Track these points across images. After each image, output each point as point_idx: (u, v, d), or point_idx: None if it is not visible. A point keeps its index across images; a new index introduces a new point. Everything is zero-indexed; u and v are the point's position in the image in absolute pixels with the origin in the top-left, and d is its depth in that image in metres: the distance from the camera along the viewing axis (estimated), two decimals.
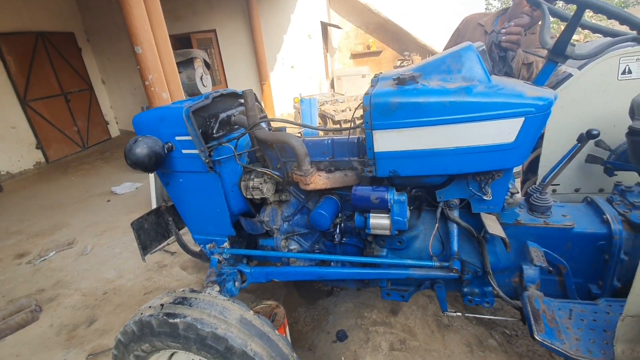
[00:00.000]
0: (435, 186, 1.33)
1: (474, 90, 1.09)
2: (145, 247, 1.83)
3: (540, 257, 1.20)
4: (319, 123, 6.33)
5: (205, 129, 1.54)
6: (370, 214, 1.33)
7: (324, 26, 8.72)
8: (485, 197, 1.24)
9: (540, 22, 1.25)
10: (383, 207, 1.29)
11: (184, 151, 1.56)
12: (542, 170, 1.71)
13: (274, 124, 1.88)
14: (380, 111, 1.14)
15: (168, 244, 3.08)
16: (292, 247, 1.69)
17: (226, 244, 1.74)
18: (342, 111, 5.61)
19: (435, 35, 9.32)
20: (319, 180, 1.42)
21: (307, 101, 5.80)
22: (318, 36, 7.51)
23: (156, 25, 3.58)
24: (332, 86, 9.60)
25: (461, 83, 1.13)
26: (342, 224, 1.57)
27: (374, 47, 9.90)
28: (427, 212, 1.47)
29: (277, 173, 1.51)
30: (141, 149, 1.39)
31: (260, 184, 1.51)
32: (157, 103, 3.57)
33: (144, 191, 4.65)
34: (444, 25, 9.39)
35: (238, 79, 7.86)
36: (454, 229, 1.36)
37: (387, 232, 1.30)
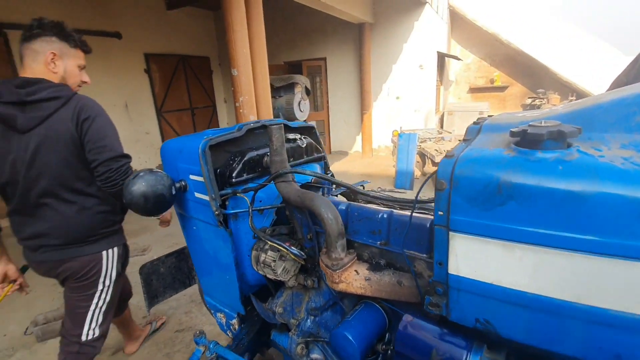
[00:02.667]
0: None
1: None
2: (155, 296, 1.54)
3: None
4: (417, 161, 5.61)
5: (224, 169, 1.17)
6: None
7: (441, 57, 8.01)
8: None
9: None
10: None
11: (196, 194, 1.21)
12: None
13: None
14: (470, 195, 0.55)
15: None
16: (313, 357, 1.14)
17: (235, 322, 1.31)
18: (446, 152, 4.79)
19: (585, 72, 7.61)
20: (353, 281, 0.87)
21: (406, 136, 5.18)
22: (432, 67, 6.86)
23: (257, 50, 3.59)
24: (442, 122, 8.70)
25: None
26: (389, 351, 0.96)
27: (499, 82, 8.67)
28: None
29: (295, 252, 1.00)
30: (137, 186, 1.08)
31: (274, 260, 1.03)
32: None
33: None
34: (597, 60, 7.60)
35: (340, 106, 7.75)
36: None
37: None
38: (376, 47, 6.91)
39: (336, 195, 1.37)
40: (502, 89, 8.82)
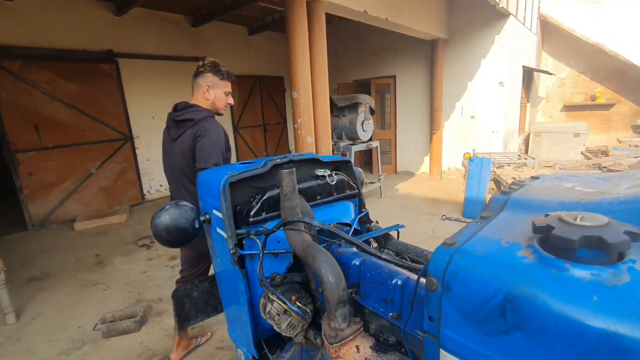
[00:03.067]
0: None
1: None
2: (186, 319, 1.58)
3: None
4: (492, 188, 5.04)
5: (243, 207, 1.15)
6: None
7: (528, 72, 7.21)
8: None
9: None
10: None
11: (217, 229, 1.21)
12: None
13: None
14: (465, 309, 0.41)
15: None
16: None
17: None
18: (531, 177, 4.19)
19: None
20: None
21: (478, 161, 4.71)
22: (515, 83, 6.20)
23: (318, 72, 3.64)
24: (527, 144, 7.77)
25: None
26: None
27: (602, 99, 7.46)
28: None
29: (296, 309, 0.92)
30: (162, 219, 1.13)
31: (278, 314, 0.96)
32: (300, 147, 3.57)
33: None
34: None
35: (408, 125, 7.45)
36: None
37: None
38: (450, 63, 6.52)
39: (367, 241, 1.24)
40: (606, 107, 7.55)
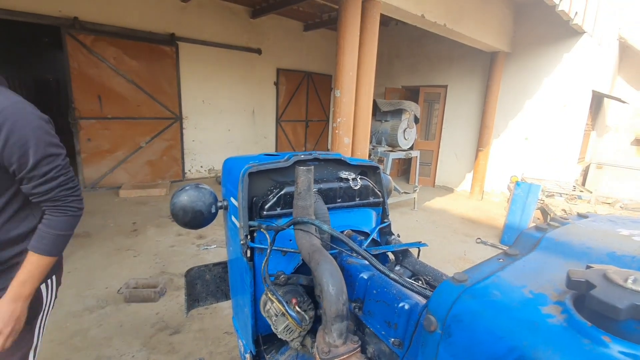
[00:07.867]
0: None
1: None
2: (196, 300, 1.60)
3: None
4: (537, 218, 4.66)
5: (259, 199, 1.12)
6: None
7: (598, 97, 6.57)
8: None
9: None
10: None
11: (233, 218, 1.20)
12: None
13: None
14: None
15: None
16: None
17: (248, 357, 1.24)
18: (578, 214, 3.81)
19: None
20: None
21: (526, 186, 4.37)
22: (581, 108, 5.66)
23: (365, 74, 3.56)
24: (585, 176, 7.10)
25: None
26: None
27: None
28: None
29: (293, 315, 0.87)
30: (180, 199, 1.13)
31: (276, 315, 0.92)
32: (336, 146, 3.53)
33: None
34: None
35: (454, 139, 7.11)
36: None
37: None
38: (508, 78, 6.11)
39: (385, 252, 1.17)
40: None
